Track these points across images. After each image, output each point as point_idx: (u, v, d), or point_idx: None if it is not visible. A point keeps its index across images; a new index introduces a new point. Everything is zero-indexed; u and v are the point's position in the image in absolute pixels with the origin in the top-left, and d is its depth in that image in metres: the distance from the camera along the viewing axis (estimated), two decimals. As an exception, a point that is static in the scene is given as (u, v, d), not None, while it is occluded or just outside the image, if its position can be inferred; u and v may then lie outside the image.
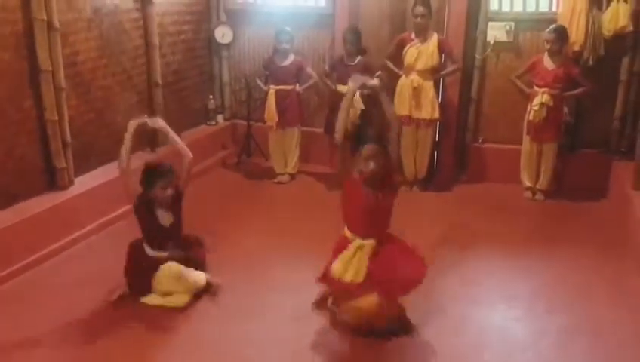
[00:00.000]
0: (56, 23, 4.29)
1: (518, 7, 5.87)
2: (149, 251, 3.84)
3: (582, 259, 4.51)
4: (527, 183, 5.77)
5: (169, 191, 3.77)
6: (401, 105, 5.65)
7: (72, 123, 4.62)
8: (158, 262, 3.78)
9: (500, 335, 3.56)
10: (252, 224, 5.02)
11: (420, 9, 5.44)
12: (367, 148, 3.38)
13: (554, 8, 5.76)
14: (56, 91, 4.37)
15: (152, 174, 3.78)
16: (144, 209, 3.81)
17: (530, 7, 5.85)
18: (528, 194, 5.78)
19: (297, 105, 5.97)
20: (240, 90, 6.75)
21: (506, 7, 5.89)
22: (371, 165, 3.34)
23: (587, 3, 5.42)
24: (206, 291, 3.87)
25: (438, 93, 5.84)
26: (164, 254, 3.84)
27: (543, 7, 5.82)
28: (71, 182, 4.64)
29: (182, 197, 3.91)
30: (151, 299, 3.76)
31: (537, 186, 5.75)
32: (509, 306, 3.87)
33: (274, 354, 3.32)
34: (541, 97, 5.37)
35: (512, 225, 5.15)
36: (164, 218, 3.85)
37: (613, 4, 5.39)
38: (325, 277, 3.54)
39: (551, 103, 5.37)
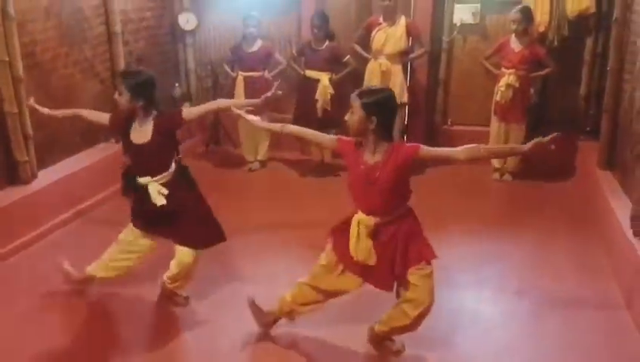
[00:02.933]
0: (12, 11, 4.13)
1: (483, -11, 5.90)
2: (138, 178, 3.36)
3: (550, 238, 4.58)
4: (496, 164, 5.83)
5: (120, 99, 3.25)
6: (370, 89, 5.63)
7: (34, 115, 4.46)
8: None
9: (471, 317, 3.59)
10: (222, 213, 4.92)
11: (387, -8, 5.41)
12: (351, 96, 2.86)
13: (519, -10, 5.80)
14: (14, 82, 4.23)
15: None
16: (121, 120, 3.34)
17: (496, -11, 5.89)
18: (496, 175, 5.84)
19: (267, 91, 5.86)
20: (206, 76, 6.65)
21: (471, -11, 5.92)
22: (347, 115, 2.86)
23: (551, -16, 5.47)
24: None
25: (406, 76, 5.85)
26: (148, 179, 3.31)
27: (509, -11, 5.86)
28: (34, 176, 4.51)
29: (176, 125, 3.35)
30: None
31: (505, 167, 5.81)
32: (479, 288, 3.91)
33: (244, 344, 3.30)
34: (507, 78, 5.42)
35: (481, 206, 5.20)
36: (136, 133, 3.32)
37: (576, -14, 5.45)
38: (337, 237, 3.05)
39: (517, 84, 5.41)
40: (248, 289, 3.78)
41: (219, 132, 6.56)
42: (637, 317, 3.44)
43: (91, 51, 5.18)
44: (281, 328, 3.37)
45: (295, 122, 5.79)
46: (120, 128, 3.38)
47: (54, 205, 4.58)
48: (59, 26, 4.76)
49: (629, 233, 3.74)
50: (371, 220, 2.89)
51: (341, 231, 3.03)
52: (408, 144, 2.93)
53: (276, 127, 3.22)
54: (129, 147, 3.36)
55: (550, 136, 2.72)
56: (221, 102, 3.82)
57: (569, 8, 5.48)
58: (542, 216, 5.02)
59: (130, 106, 3.28)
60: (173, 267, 3.43)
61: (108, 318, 3.59)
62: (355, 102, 2.82)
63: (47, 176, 4.62)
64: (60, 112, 3.74)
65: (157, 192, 3.29)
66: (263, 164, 6.13)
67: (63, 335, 3.36)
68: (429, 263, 2.95)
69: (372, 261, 2.92)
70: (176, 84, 6.52)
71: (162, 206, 3.30)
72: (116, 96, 3.31)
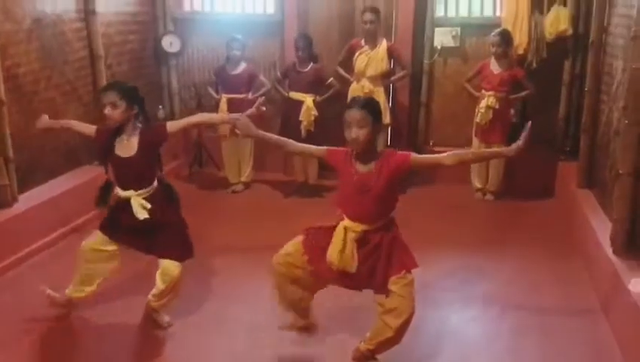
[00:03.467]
0: (-6, 35, 4.14)
1: (463, 13, 6.02)
2: (118, 190, 3.39)
3: (532, 258, 4.62)
4: (478, 185, 5.89)
5: (107, 111, 3.24)
6: (353, 111, 5.68)
7: (15, 138, 4.44)
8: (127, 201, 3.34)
9: (454, 336, 3.60)
10: (207, 235, 4.93)
11: (368, 15, 5.50)
12: (351, 112, 2.89)
13: (498, 13, 5.92)
14: (-5, 105, 4.21)
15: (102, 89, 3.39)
16: (107, 133, 3.36)
17: (475, 13, 6.02)
18: (479, 195, 5.90)
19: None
20: (190, 98, 6.67)
21: (451, 13, 6.05)
22: (353, 132, 2.89)
23: (529, 7, 5.60)
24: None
25: (388, 98, 5.91)
26: (132, 192, 3.33)
27: (488, 13, 6.00)
28: (14, 199, 4.46)
29: (162, 138, 3.38)
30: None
31: (487, 187, 5.86)
32: (462, 306, 3.92)
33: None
34: (487, 100, 5.50)
35: (464, 226, 5.24)
36: (123, 147, 3.33)
37: (553, 8, 5.59)
38: (308, 241, 3.08)
39: (497, 106, 5.49)
40: (232, 311, 3.78)
41: (202, 154, 6.56)
42: (617, 333, 3.48)
43: (73, 74, 5.18)
44: (267, 349, 3.35)
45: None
46: (105, 141, 3.37)
47: (35, 229, 4.52)
48: (41, 48, 4.76)
49: (609, 251, 3.79)
50: (359, 226, 2.94)
51: (316, 235, 3.06)
52: (400, 152, 3.00)
53: (280, 140, 3.27)
54: (113, 161, 3.37)
55: (526, 132, 2.85)
56: (204, 116, 3.88)
57: (547, 31, 5.60)
58: (524, 234, 5.06)
59: (125, 117, 3.28)
60: (160, 283, 3.40)
61: (89, 343, 3.53)
62: (364, 116, 2.86)
63: (28, 200, 4.58)
64: (56, 122, 3.77)
65: (140, 206, 3.31)
66: (246, 185, 6.13)
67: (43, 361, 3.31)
68: (409, 272, 2.99)
69: (352, 268, 2.95)
70: (160, 106, 6.53)
71: (145, 219, 3.30)
72: (108, 110, 3.25)
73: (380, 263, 2.96)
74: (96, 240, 3.47)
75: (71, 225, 4.87)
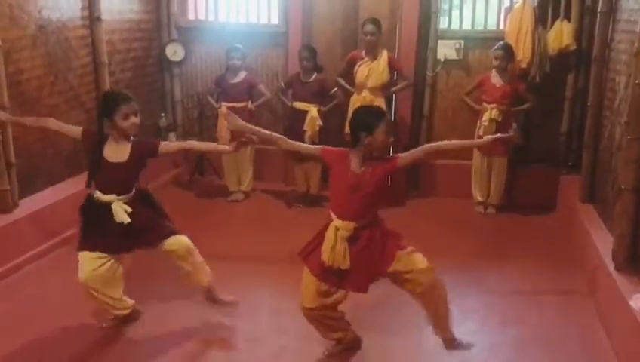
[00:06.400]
0: (-1, 40, 4.15)
1: (467, 26, 6.03)
2: (99, 194, 3.36)
3: (533, 271, 4.60)
4: (479, 198, 5.87)
5: (133, 120, 3.29)
6: (355, 122, 5.68)
7: (17, 143, 4.45)
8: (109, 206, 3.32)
9: (455, 350, 3.56)
10: (205, 244, 4.89)
11: (369, 27, 5.50)
12: (388, 121, 3.20)
13: (501, 27, 5.94)
14: (-2, 110, 4.21)
15: (114, 99, 3.33)
16: (95, 140, 3.35)
17: (479, 26, 6.03)
18: (480, 208, 5.88)
19: (250, 122, 5.90)
20: (192, 107, 6.68)
21: (455, 26, 6.06)
22: (388, 138, 3.17)
23: (532, 22, 5.60)
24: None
25: (390, 110, 5.90)
26: (113, 197, 3.33)
27: (491, 26, 6.01)
28: (15, 205, 4.46)
29: (152, 154, 3.41)
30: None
31: (488, 201, 5.85)
32: (462, 319, 3.89)
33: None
34: (490, 113, 5.50)
35: (465, 240, 5.22)
36: (112, 152, 3.33)
37: (557, 23, 5.59)
38: (306, 256, 3.21)
39: (500, 119, 5.49)
40: (229, 321, 3.76)
41: (203, 162, 6.56)
42: (618, 349, 3.46)
43: (77, 81, 5.19)
44: (266, 360, 3.33)
45: (282, 152, 5.85)
46: (93, 144, 3.37)
47: (35, 234, 4.52)
48: (45, 55, 4.78)
49: (611, 267, 3.77)
50: (350, 225, 3.07)
51: (311, 250, 3.18)
52: (388, 155, 3.31)
53: (274, 136, 3.38)
54: (100, 164, 3.34)
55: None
56: (194, 144, 4.09)
57: (550, 45, 5.61)
58: (525, 248, 5.04)
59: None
60: (184, 262, 3.48)
61: (85, 349, 3.49)
62: (386, 123, 3.12)
63: (29, 205, 4.57)
64: (28, 120, 3.76)
65: (122, 210, 3.31)
66: (246, 194, 6.12)
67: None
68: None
69: (346, 265, 3.06)
70: (162, 115, 6.54)
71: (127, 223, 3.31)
72: (133, 119, 3.29)
73: (375, 255, 3.10)
74: (85, 263, 3.37)
75: (71, 231, 4.84)
